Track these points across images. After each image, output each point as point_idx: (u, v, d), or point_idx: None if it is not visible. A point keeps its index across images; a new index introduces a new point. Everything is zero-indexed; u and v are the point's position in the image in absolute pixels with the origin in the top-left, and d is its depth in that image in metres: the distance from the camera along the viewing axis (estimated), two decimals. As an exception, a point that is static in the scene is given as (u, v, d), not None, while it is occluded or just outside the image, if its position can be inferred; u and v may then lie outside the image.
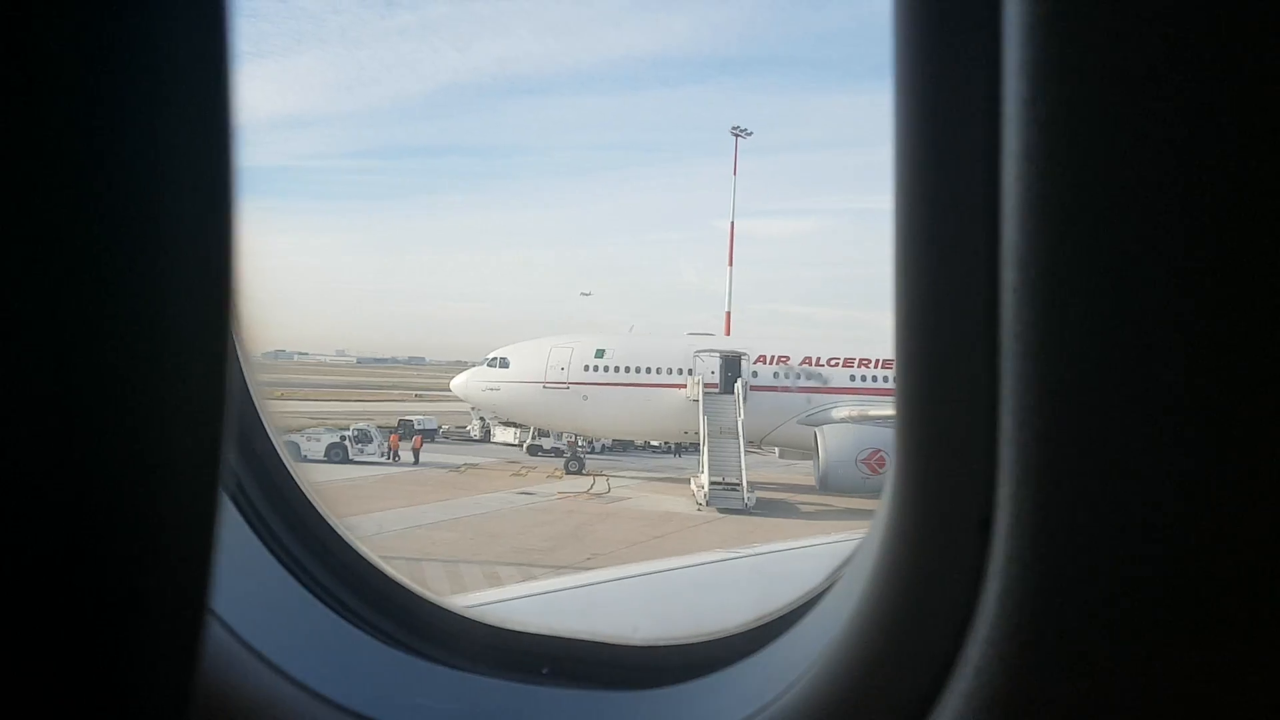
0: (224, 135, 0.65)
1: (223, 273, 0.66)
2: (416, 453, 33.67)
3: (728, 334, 37.27)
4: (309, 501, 1.53)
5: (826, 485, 26.34)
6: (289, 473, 1.51)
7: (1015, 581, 0.83)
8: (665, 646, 1.45)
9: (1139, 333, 0.76)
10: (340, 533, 1.56)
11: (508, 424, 37.95)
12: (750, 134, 41.74)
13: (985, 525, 0.87)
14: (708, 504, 25.72)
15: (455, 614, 1.54)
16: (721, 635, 1.42)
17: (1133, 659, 0.82)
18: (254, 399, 1.42)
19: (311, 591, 1.48)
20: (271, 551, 1.46)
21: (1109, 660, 0.83)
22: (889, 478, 0.99)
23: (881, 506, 1.03)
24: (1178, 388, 0.76)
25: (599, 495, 28.06)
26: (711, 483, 26.17)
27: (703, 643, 1.42)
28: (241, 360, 1.41)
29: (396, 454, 33.30)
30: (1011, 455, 0.81)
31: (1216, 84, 0.72)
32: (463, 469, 32.51)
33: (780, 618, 1.34)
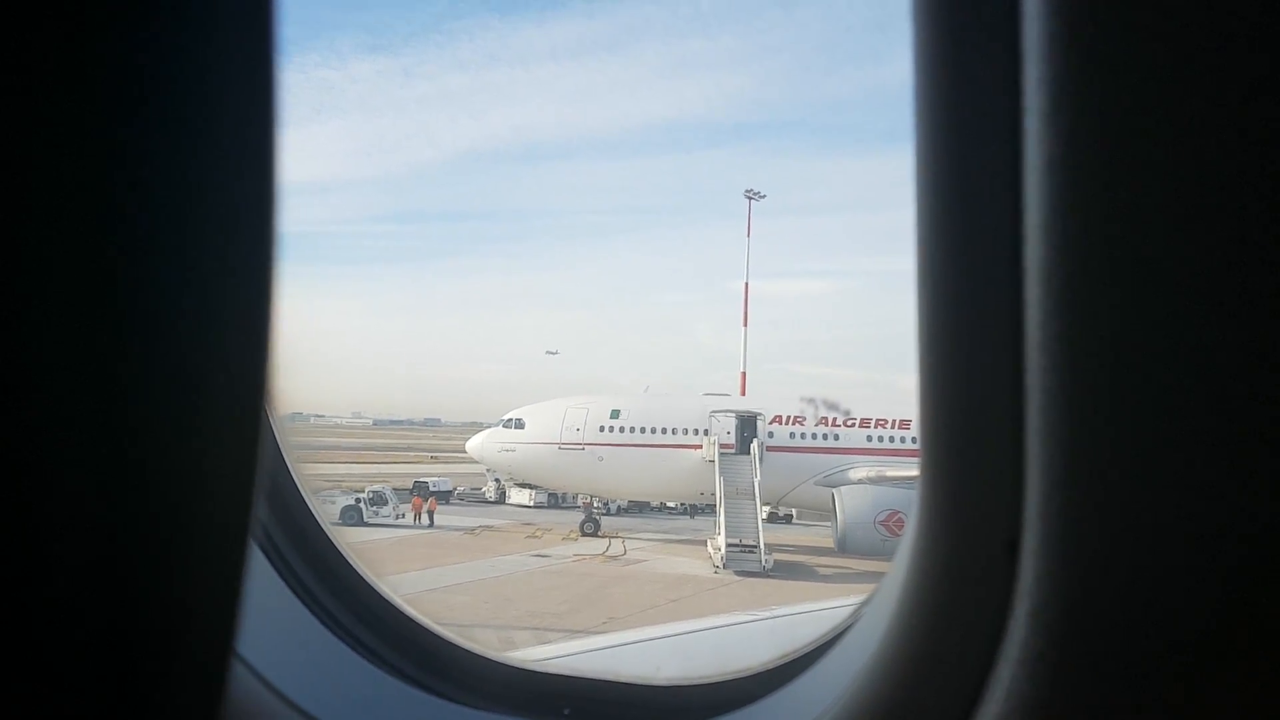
0: (269, 211, 0.67)
1: (262, 336, 0.68)
2: (431, 515, 33.45)
3: (743, 394, 37.14)
4: (334, 546, 1.53)
5: (845, 547, 25.88)
6: (315, 519, 1.52)
7: (1045, 602, 0.83)
8: (688, 686, 1.44)
9: (1167, 345, 0.76)
10: (364, 576, 1.56)
11: (523, 485, 37.72)
12: (764, 197, 42.18)
13: (1013, 547, 0.87)
14: (725, 566, 25.31)
15: (479, 655, 1.53)
16: (744, 674, 1.41)
17: (1166, 679, 0.81)
18: (282, 451, 1.44)
19: (335, 633, 1.48)
20: (297, 595, 1.46)
21: (1142, 681, 0.82)
22: (914, 503, 0.99)
23: (907, 535, 1.03)
24: (1209, 400, 0.75)
25: (615, 557, 27.69)
26: (728, 544, 25.78)
27: (726, 681, 1.41)
28: (272, 418, 1.44)
29: (419, 516, 33.13)
30: (1038, 472, 0.81)
31: (1239, 93, 0.72)
32: (477, 531, 32.23)
33: (804, 655, 1.33)
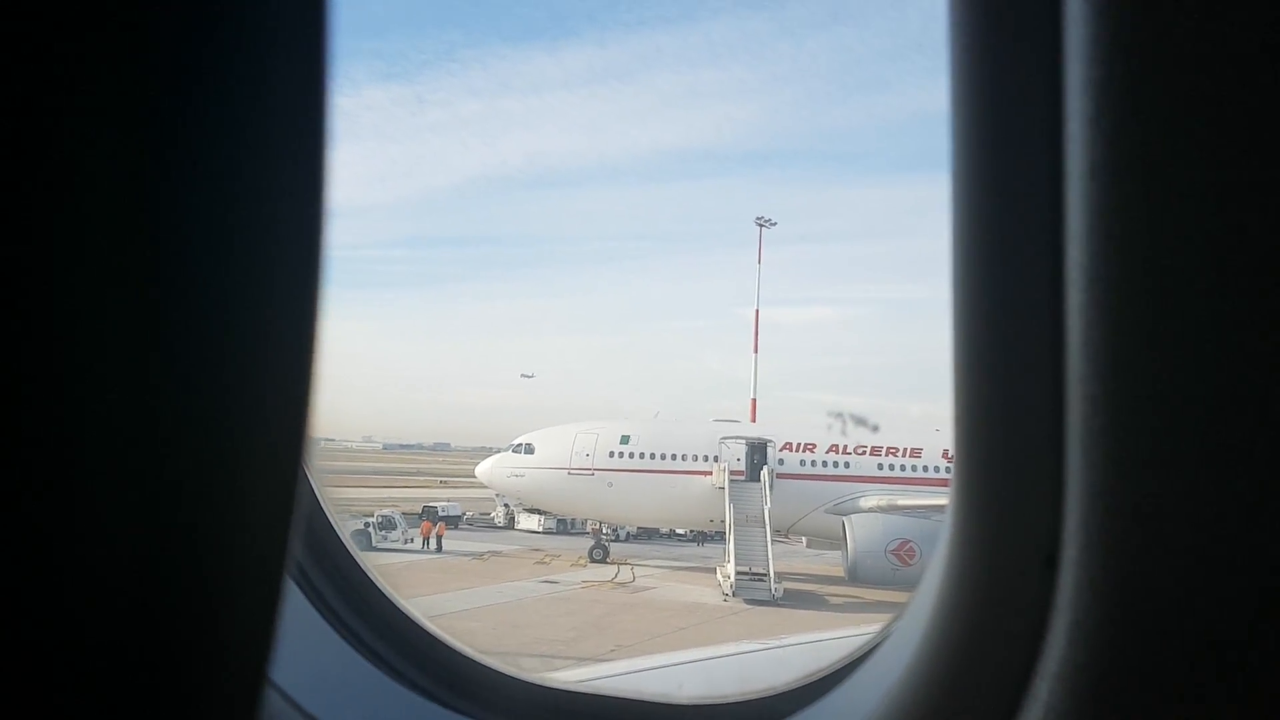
0: (317, 234, 0.67)
1: (306, 362, 0.68)
2: (439, 540, 33.34)
3: (753, 421, 37.00)
4: (360, 568, 1.53)
5: (855, 576, 25.65)
6: (340, 539, 1.52)
7: (1085, 614, 0.81)
8: (711, 705, 1.42)
9: (1213, 352, 0.74)
10: (390, 597, 1.55)
11: (532, 511, 37.58)
12: (774, 224, 42.27)
13: (1051, 561, 0.85)
14: (734, 594, 25.10)
15: (507, 676, 1.52)
16: (769, 693, 1.39)
17: (1210, 693, 0.79)
18: (314, 483, 1.45)
19: (363, 655, 1.47)
20: (325, 618, 1.45)
21: (1185, 695, 0.80)
22: (948, 515, 0.98)
23: (940, 550, 1.02)
24: (1255, 409, 0.74)
25: (623, 584, 27.50)
26: (738, 572, 25.59)
27: (750, 700, 1.39)
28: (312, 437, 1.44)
29: (427, 541, 33.04)
30: (1079, 482, 0.80)
31: None
32: (486, 556, 32.08)
33: (832, 673, 1.32)
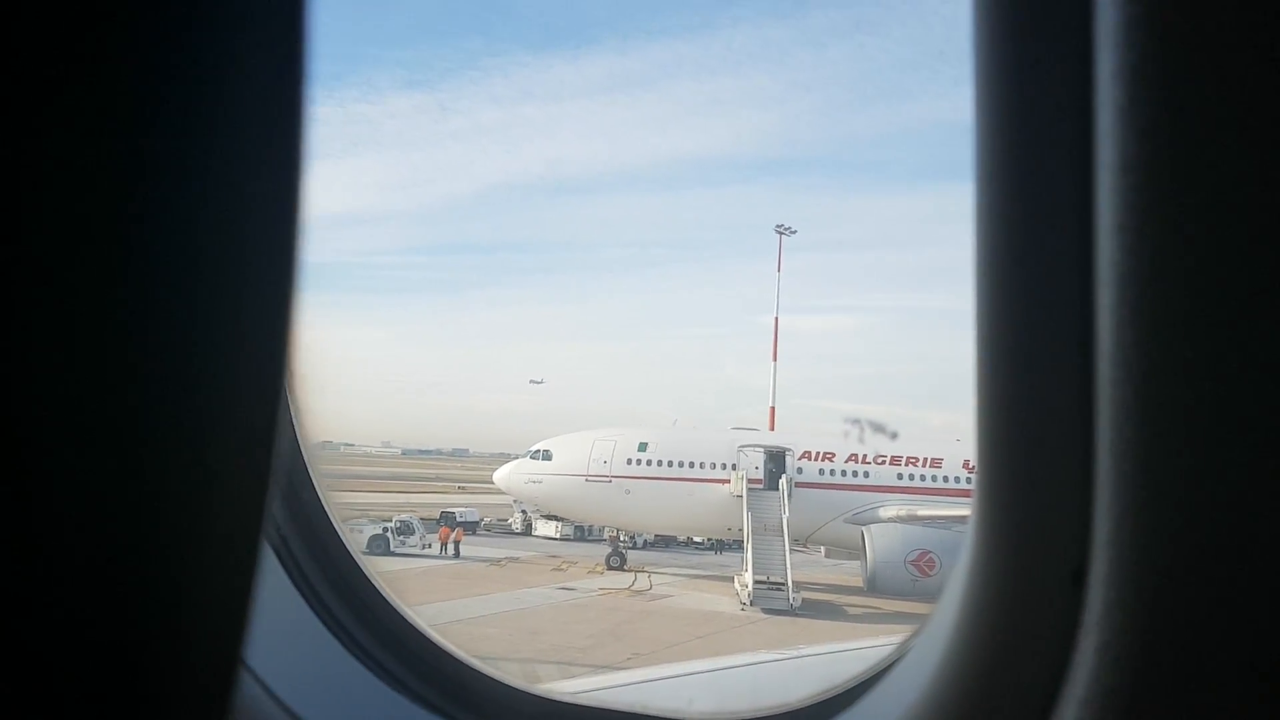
0: (293, 215, 0.66)
1: (280, 348, 0.67)
2: (457, 545, 33.44)
3: (772, 429, 36.89)
4: (360, 570, 1.50)
5: (874, 587, 25.50)
6: (340, 538, 1.49)
7: (1116, 635, 0.77)
8: None
9: (1250, 356, 0.70)
10: (389, 600, 1.52)
11: (549, 517, 37.63)
12: (794, 232, 42.18)
13: (1079, 577, 0.81)
14: (751, 604, 24.99)
15: (505, 685, 1.48)
16: (781, 711, 1.34)
17: (1250, 717, 0.75)
18: (311, 475, 1.43)
19: (367, 665, 1.44)
20: (313, 608, 1.43)
21: (1223, 719, 0.75)
22: (970, 528, 0.93)
23: (961, 564, 0.98)
24: None
25: (640, 592, 27.45)
26: (756, 582, 25.48)
27: (763, 717, 1.35)
28: (295, 423, 1.42)
29: (445, 546, 33.18)
30: (1109, 493, 0.75)
31: None
32: (503, 563, 32.15)
33: (845, 691, 1.27)
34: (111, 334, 0.60)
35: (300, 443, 1.38)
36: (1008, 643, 0.88)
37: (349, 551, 1.47)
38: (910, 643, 1.20)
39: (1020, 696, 0.86)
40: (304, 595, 1.40)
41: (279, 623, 1.36)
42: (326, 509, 1.45)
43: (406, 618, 1.50)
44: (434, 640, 1.49)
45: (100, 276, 0.60)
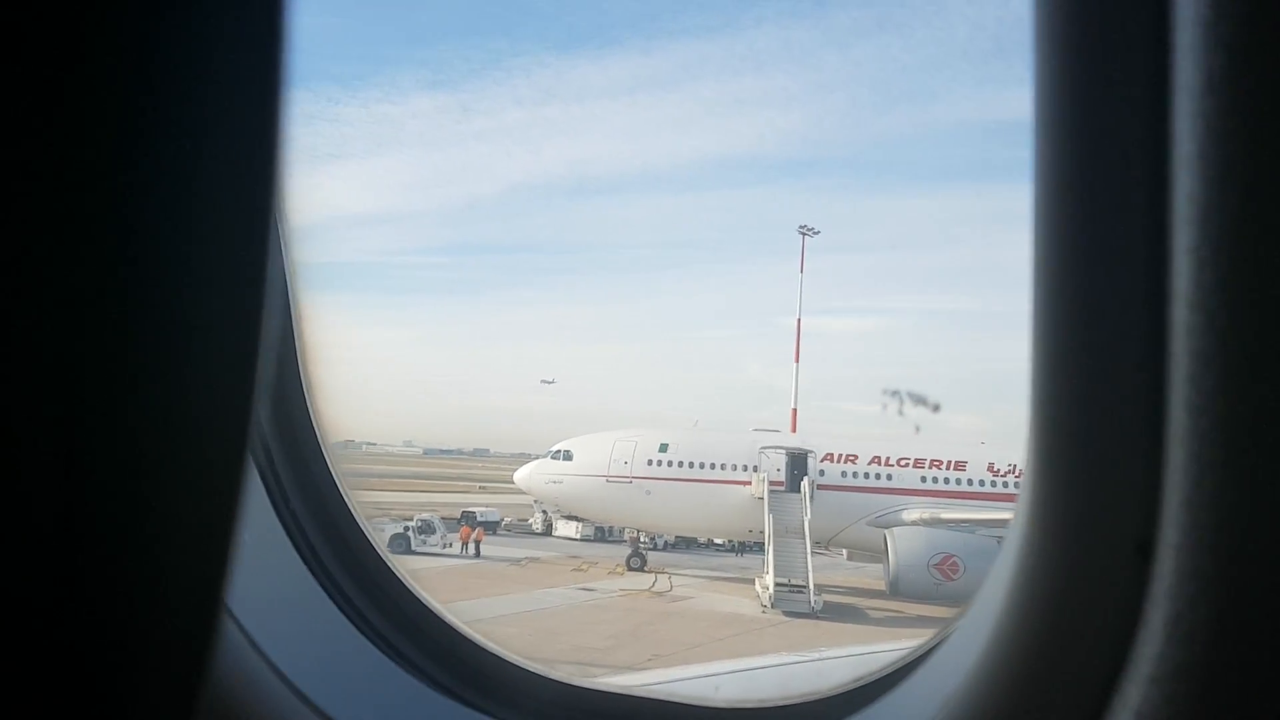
0: (265, 211, 0.65)
1: (251, 344, 0.66)
2: (478, 545, 33.57)
3: (793, 431, 36.72)
4: (389, 568, 1.48)
5: (897, 590, 25.33)
6: (370, 543, 1.47)
7: (1189, 606, 0.71)
8: (750, 709, 1.32)
9: None
10: (417, 594, 1.49)
11: (570, 518, 37.69)
12: (817, 233, 41.97)
13: (1145, 549, 0.75)
14: (772, 606, 24.88)
15: (534, 673, 1.44)
16: (813, 698, 1.29)
17: None
18: (340, 485, 1.42)
19: (389, 655, 1.41)
20: (350, 619, 1.40)
21: None
22: (1021, 501, 0.88)
23: (1012, 537, 0.92)
24: None
25: (661, 593, 27.41)
26: (776, 584, 25.37)
27: (793, 705, 1.29)
28: (310, 406, 1.40)
29: (466, 546, 33.34)
30: (1185, 452, 0.69)
31: None
32: (524, 562, 32.22)
33: (883, 677, 1.21)
34: (89, 316, 0.60)
35: (327, 453, 1.38)
36: (1065, 619, 0.82)
37: (381, 556, 1.45)
38: (952, 627, 1.14)
39: (1078, 675, 0.80)
40: (333, 599, 1.38)
41: (285, 594, 1.34)
42: (356, 515, 1.43)
43: (437, 612, 1.47)
44: (466, 634, 1.47)
45: (78, 264, 0.60)
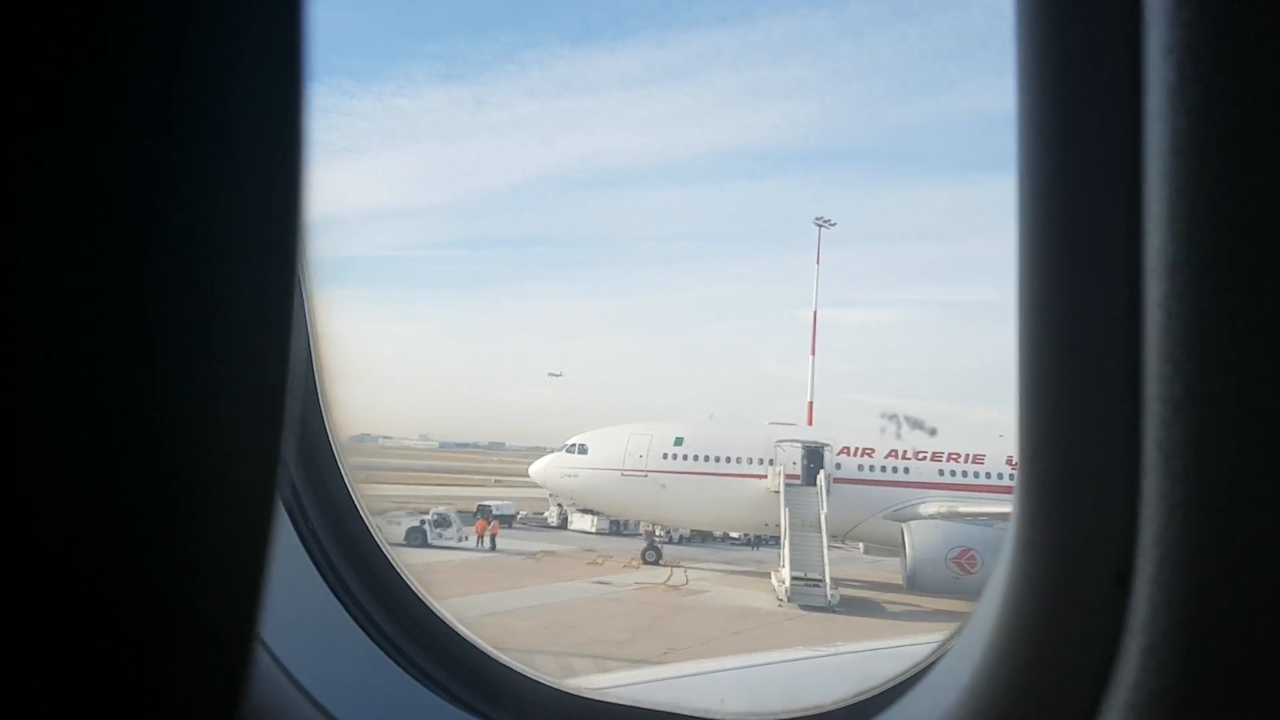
0: (295, 211, 0.66)
1: (283, 346, 0.67)
2: (493, 538, 33.72)
3: (810, 424, 36.65)
4: (395, 570, 1.51)
5: (914, 584, 25.28)
6: (367, 527, 1.50)
7: (1162, 637, 0.74)
8: None
9: None
10: (419, 594, 1.53)
11: (585, 511, 37.80)
12: (833, 224, 41.82)
13: (1123, 579, 0.78)
14: (789, 600, 24.90)
15: (532, 680, 1.48)
16: (816, 712, 1.33)
17: None
18: (340, 465, 1.44)
19: (393, 657, 1.45)
20: (355, 619, 1.44)
21: None
22: (1010, 529, 0.91)
23: (1001, 565, 0.95)
24: None
25: (676, 587, 27.47)
26: (793, 578, 25.38)
27: (795, 718, 1.33)
28: (325, 415, 1.43)
29: (481, 539, 33.49)
30: (1155, 492, 0.73)
31: None
32: (539, 556, 32.34)
33: (883, 692, 1.25)
34: (116, 328, 0.61)
35: (335, 447, 1.40)
36: (1050, 644, 0.85)
37: (376, 542, 1.48)
38: (949, 643, 1.18)
39: (1063, 700, 0.84)
40: (331, 586, 1.41)
41: (304, 612, 1.37)
42: (353, 496, 1.46)
43: (441, 616, 1.50)
44: (470, 640, 1.49)
45: (104, 270, 0.60)
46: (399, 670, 1.43)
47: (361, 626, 1.43)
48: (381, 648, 1.43)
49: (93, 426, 0.61)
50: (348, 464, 1.46)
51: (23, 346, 0.58)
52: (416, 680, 1.43)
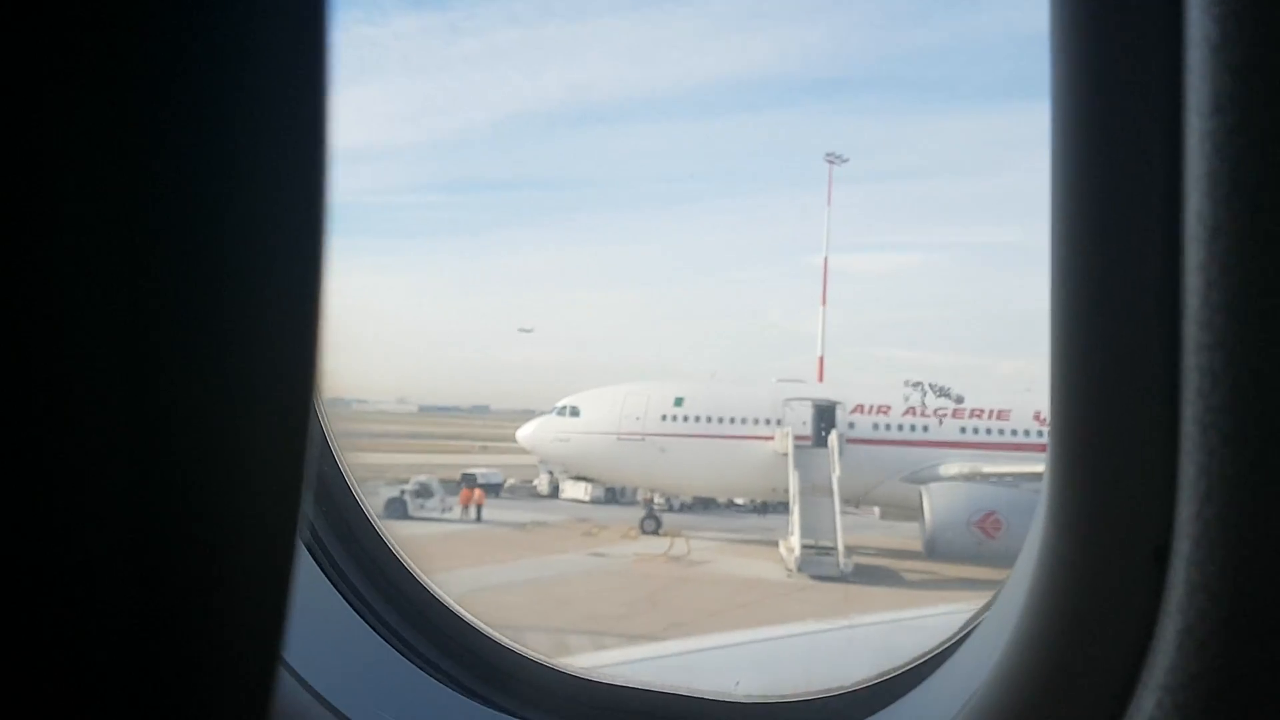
0: (318, 190, 0.68)
1: (311, 324, 0.69)
2: (479, 509, 33.94)
3: (821, 380, 36.74)
4: (385, 544, 1.55)
5: (934, 551, 25.56)
6: (364, 514, 1.54)
7: (1200, 618, 0.78)
8: (772, 704, 1.41)
9: None
10: (416, 576, 1.57)
11: (578, 478, 38.01)
12: (846, 160, 41.49)
13: (1161, 556, 0.82)
14: (799, 569, 25.20)
15: (540, 665, 1.53)
16: (836, 692, 1.38)
17: None
18: (332, 446, 1.47)
19: (393, 644, 1.49)
20: (345, 597, 1.48)
21: None
22: (1041, 503, 0.94)
23: (1033, 539, 0.99)
24: None
25: (678, 558, 27.77)
26: (803, 546, 25.65)
27: (814, 700, 1.38)
28: (320, 410, 1.46)
29: (467, 509, 33.69)
30: (1195, 466, 0.76)
31: None
32: (529, 527, 32.60)
33: (906, 672, 1.30)
34: (140, 334, 0.63)
35: (323, 420, 1.43)
36: (1083, 624, 0.89)
37: (377, 532, 1.52)
38: (976, 621, 1.22)
39: (1095, 683, 0.88)
40: (331, 579, 1.45)
41: (312, 616, 1.42)
42: (352, 487, 1.49)
43: (438, 598, 1.55)
44: (474, 624, 1.54)
45: (126, 275, 0.62)
46: (400, 657, 1.47)
47: (369, 623, 1.48)
48: (384, 637, 1.48)
49: (121, 431, 0.64)
50: (347, 464, 1.49)
51: (56, 369, 0.61)
52: (422, 669, 1.47)
